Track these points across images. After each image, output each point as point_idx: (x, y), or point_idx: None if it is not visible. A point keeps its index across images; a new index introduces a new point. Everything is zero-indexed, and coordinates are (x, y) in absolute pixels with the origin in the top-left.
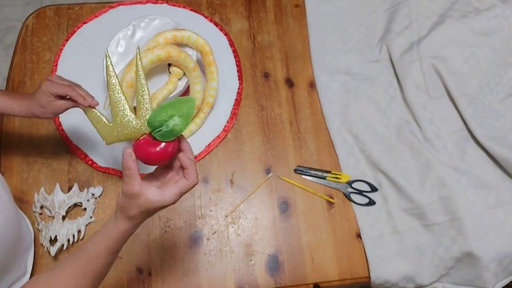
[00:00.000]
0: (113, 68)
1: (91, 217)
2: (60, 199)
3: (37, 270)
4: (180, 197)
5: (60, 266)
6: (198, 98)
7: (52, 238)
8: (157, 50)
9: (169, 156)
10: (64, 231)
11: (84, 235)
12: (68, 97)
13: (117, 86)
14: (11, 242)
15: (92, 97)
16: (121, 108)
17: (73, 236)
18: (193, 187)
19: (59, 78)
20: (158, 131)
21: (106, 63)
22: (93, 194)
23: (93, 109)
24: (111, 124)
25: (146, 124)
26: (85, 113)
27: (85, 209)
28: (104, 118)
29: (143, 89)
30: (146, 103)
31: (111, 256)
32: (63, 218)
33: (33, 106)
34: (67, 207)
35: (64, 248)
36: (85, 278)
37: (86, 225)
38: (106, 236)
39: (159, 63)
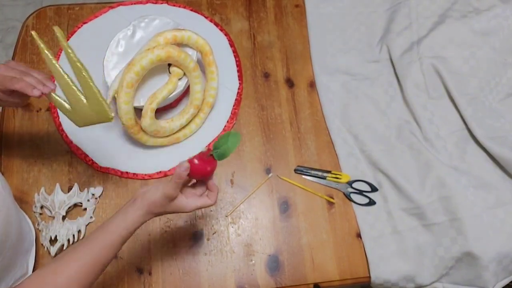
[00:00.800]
0: (54, 60)
1: (91, 217)
2: (60, 199)
3: None
4: (195, 210)
5: (67, 256)
6: (198, 98)
7: (52, 238)
8: (157, 50)
9: (210, 173)
10: (64, 231)
11: (84, 235)
12: None
13: (64, 75)
14: (12, 242)
15: (44, 84)
16: (72, 95)
17: (73, 236)
18: (209, 206)
19: (6, 69)
20: (216, 151)
21: (66, 51)
22: (93, 194)
23: (53, 94)
24: (70, 109)
25: (107, 108)
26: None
27: (85, 209)
28: (64, 103)
29: (85, 78)
30: (92, 88)
31: (121, 246)
32: (63, 218)
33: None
34: (67, 207)
35: (64, 248)
36: (94, 266)
37: (86, 225)
38: (125, 226)
39: (159, 63)
